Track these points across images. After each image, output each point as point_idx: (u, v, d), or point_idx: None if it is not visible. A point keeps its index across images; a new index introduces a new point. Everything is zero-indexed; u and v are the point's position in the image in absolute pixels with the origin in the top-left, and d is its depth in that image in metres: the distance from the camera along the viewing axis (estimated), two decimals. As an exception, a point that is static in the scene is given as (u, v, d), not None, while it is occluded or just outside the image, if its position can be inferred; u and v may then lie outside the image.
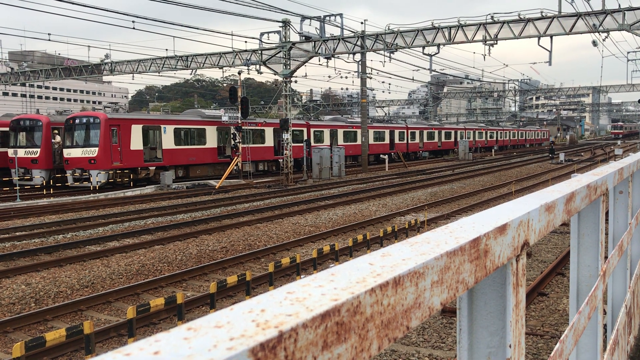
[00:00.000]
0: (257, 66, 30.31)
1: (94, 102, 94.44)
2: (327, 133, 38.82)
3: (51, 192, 24.36)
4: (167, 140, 27.69)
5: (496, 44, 25.24)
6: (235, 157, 28.42)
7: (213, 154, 30.33)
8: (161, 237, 12.93)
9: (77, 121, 25.52)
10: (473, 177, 28.75)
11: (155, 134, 27.41)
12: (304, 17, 27.33)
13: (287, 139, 28.82)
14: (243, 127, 29.58)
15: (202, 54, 31.52)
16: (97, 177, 24.56)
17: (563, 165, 36.37)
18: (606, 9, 22.93)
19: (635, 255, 4.19)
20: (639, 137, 59.99)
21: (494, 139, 68.67)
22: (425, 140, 51.43)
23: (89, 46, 34.60)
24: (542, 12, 23.89)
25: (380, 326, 0.67)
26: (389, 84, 57.46)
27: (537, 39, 24.06)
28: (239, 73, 30.10)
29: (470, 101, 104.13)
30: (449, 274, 0.87)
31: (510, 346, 1.17)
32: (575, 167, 32.35)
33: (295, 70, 29.27)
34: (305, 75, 39.07)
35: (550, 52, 24.35)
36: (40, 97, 77.30)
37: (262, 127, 33.20)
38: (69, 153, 25.36)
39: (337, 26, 27.39)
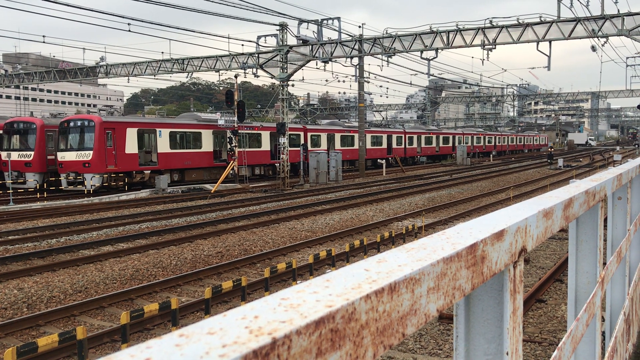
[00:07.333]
0: (254, 69, 30.35)
1: (88, 105, 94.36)
2: (324, 137, 38.87)
3: (45, 195, 24.27)
4: (163, 143, 27.66)
5: (495, 48, 25.34)
6: (232, 161, 28.41)
7: (209, 157, 30.31)
8: (156, 242, 12.89)
9: (71, 124, 25.46)
10: (471, 182, 28.82)
11: (150, 137, 27.38)
12: (301, 21, 27.39)
13: (283, 143, 28.83)
14: (239, 131, 29.59)
15: (198, 57, 31.54)
16: (92, 180, 24.49)
17: (562, 170, 36.50)
18: (605, 14, 23.04)
19: (634, 262, 4.20)
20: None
21: (492, 144, 68.90)
22: (423, 145, 51.56)
23: (84, 48, 34.67)
24: (540, 17, 24.00)
25: (376, 333, 0.66)
26: (387, 88, 57.77)
27: (535, 43, 24.15)
28: (236, 76, 30.13)
29: (468, 106, 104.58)
30: (446, 280, 0.86)
31: (507, 353, 1.16)
32: (574, 172, 32.46)
33: (292, 74, 29.31)
34: (303, 79, 39.30)
35: (549, 57, 24.42)
36: (34, 99, 77.17)
37: (258, 131, 33.22)
38: (63, 156, 25.28)
39: (334, 30, 27.46)
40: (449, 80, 54.82)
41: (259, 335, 0.52)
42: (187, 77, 34.68)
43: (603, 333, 3.12)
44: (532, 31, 24.15)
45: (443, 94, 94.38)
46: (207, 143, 30.25)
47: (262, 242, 13.19)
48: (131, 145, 26.06)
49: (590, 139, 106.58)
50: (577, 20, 23.32)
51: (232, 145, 29.44)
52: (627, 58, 44.90)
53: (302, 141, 35.61)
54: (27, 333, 7.33)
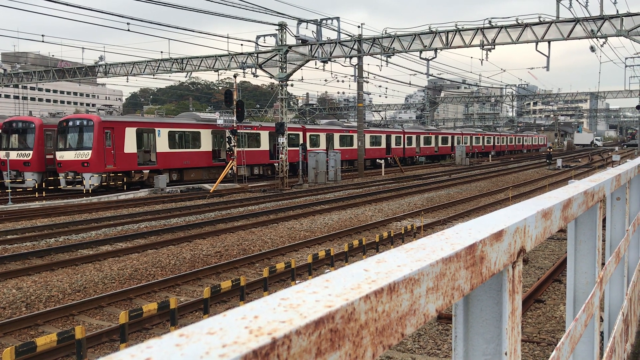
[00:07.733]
0: (253, 69, 30.33)
1: (87, 105, 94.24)
2: (323, 137, 38.86)
3: (43, 195, 24.23)
4: (162, 143, 27.64)
5: (494, 48, 25.34)
6: (230, 161, 28.39)
7: (208, 157, 30.29)
8: (154, 242, 12.88)
9: (70, 124, 25.43)
10: (470, 182, 28.82)
11: (149, 137, 27.35)
12: (300, 20, 27.37)
13: (282, 142, 28.82)
14: (238, 131, 29.57)
15: (197, 57, 31.53)
16: (90, 180, 24.46)
17: (560, 171, 36.52)
18: (604, 14, 23.05)
19: (632, 262, 4.20)
20: None
21: (491, 144, 68.94)
22: (422, 145, 51.56)
23: (83, 48, 34.69)
24: (540, 17, 24.00)
25: (375, 333, 0.67)
26: (386, 88, 57.82)
27: (534, 44, 24.15)
28: (235, 76, 30.11)
29: (467, 106, 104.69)
30: (445, 280, 0.86)
31: (506, 354, 1.16)
32: (573, 173, 32.49)
33: (291, 74, 29.31)
34: (302, 79, 39.27)
35: (548, 57, 24.42)
36: (33, 99, 77.06)
37: (257, 131, 33.20)
38: (62, 156, 25.25)
39: (334, 29, 27.45)
40: (448, 80, 54.83)
41: (258, 335, 0.52)
42: (186, 76, 34.67)
43: (602, 333, 3.12)
44: (531, 31, 24.17)
45: (442, 94, 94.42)
46: (206, 143, 30.24)
47: (261, 241, 13.19)
48: (130, 145, 26.03)
49: (596, 140, 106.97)
50: (576, 20, 23.33)
51: (231, 144, 29.42)
52: (626, 58, 45.09)
53: (301, 141, 35.60)
54: (25, 332, 7.32)
